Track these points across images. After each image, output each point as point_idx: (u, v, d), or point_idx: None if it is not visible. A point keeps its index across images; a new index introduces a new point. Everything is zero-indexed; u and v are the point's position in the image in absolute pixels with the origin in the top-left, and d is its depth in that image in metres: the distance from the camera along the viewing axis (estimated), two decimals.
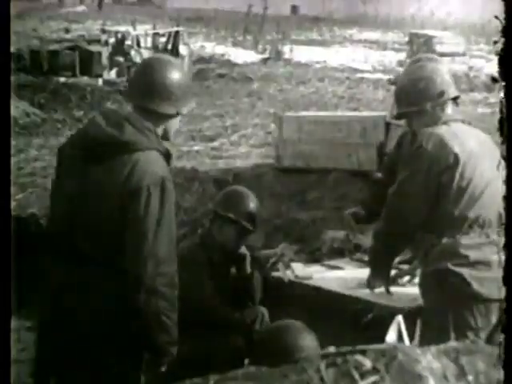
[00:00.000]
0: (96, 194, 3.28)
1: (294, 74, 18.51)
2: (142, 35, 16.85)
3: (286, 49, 21.81)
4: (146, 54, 16.36)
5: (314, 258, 6.17)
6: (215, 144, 11.02)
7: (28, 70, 16.95)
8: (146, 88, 3.40)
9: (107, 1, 42.36)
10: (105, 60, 16.45)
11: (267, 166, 9.04)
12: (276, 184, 8.34)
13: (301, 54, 21.70)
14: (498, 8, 2.28)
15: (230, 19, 29.25)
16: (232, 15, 30.26)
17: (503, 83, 2.08)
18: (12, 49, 19.27)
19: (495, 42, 2.19)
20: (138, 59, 16.12)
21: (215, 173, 8.82)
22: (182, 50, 16.74)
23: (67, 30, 25.96)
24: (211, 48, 22.71)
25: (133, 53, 16.21)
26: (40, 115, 12.68)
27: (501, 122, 2.06)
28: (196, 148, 10.67)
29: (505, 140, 2.04)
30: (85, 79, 15.64)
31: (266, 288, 4.83)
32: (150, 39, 16.87)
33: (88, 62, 16.25)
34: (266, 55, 21.80)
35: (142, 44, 16.57)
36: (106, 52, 16.52)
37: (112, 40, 16.79)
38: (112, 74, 16.32)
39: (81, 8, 38.02)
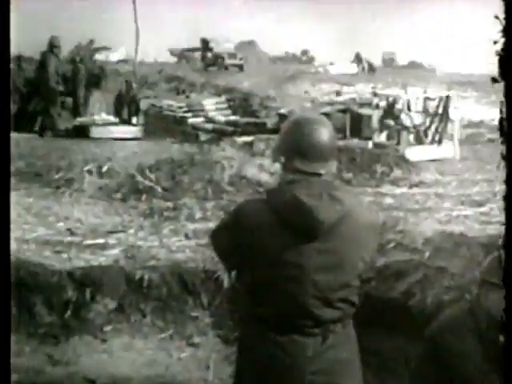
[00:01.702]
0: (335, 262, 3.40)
1: None
2: (412, 99, 16.90)
3: None
4: (417, 117, 16.44)
5: None
6: (484, 209, 10.80)
7: None
8: (295, 147, 3.43)
9: (378, 64, 43.01)
10: (375, 123, 16.68)
11: None
12: None
13: None
14: None
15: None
16: None
17: (503, 83, 1.99)
18: (285, 110, 20.05)
19: (495, 42, 2.09)
20: (408, 123, 16.22)
21: (484, 239, 8.64)
22: (453, 114, 16.63)
23: (338, 93, 26.62)
24: (482, 112, 22.37)
25: (403, 116, 16.31)
26: None
27: (501, 122, 1.97)
28: (465, 213, 10.53)
29: (505, 140, 1.95)
30: (355, 141, 15.91)
31: None
32: (420, 103, 16.89)
33: (358, 125, 16.58)
34: None
35: (413, 108, 16.62)
36: (376, 115, 16.75)
37: (383, 103, 16.99)
38: (382, 137, 16.50)
39: (352, 71, 38.81)
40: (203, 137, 18.34)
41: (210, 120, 20.05)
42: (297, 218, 3.33)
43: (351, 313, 3.50)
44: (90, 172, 11.72)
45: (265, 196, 3.50)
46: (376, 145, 15.90)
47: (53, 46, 19.04)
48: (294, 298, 3.37)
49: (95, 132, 18.35)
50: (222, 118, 20.16)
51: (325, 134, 3.45)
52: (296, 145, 3.44)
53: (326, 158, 3.44)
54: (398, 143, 16.07)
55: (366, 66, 40.68)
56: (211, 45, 40.63)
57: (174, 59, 46.42)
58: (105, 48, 37.31)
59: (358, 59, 42.25)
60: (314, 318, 3.39)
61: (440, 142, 16.38)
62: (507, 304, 2.06)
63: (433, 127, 16.55)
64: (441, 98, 16.88)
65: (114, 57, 39.40)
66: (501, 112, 2.11)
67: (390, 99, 16.95)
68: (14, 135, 18.31)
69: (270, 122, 19.47)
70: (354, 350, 3.58)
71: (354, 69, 39.88)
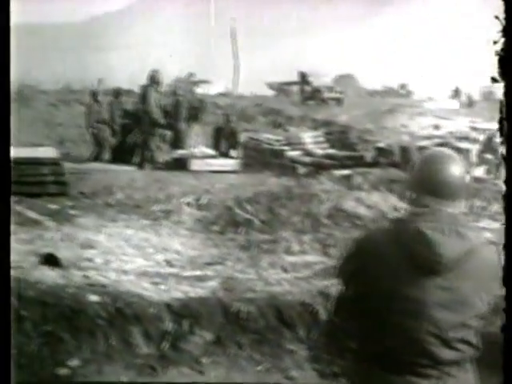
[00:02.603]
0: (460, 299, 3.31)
1: None
2: None
3: None
4: None
5: None
6: None
7: (398, 165, 17.42)
8: (424, 183, 3.35)
9: (477, 98, 42.44)
10: (474, 157, 16.49)
11: None
12: None
13: None
14: None
15: None
16: None
17: (503, 83, 1.91)
18: (383, 144, 19.94)
19: (495, 42, 2.00)
20: None
21: None
22: None
23: (437, 127, 26.37)
24: None
25: (502, 150, 16.11)
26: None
27: (501, 121, 1.89)
28: None
29: (505, 140, 1.88)
30: None
31: None
32: None
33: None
34: None
35: None
36: (475, 149, 16.56)
37: (481, 137, 16.79)
38: (480, 172, 16.29)
39: (451, 105, 38.40)
40: (301, 170, 18.36)
41: (307, 153, 20.07)
42: (419, 250, 3.26)
43: (471, 356, 3.36)
44: (188, 204, 11.83)
45: (389, 226, 3.45)
46: (474, 179, 15.68)
47: (153, 79, 19.37)
48: (409, 334, 3.28)
49: (194, 164, 18.57)
50: (320, 152, 20.17)
51: (456, 172, 3.36)
52: (426, 181, 3.38)
53: (456, 196, 3.37)
54: (497, 178, 15.82)
55: (464, 99, 40.22)
56: (309, 78, 40.78)
57: (272, 93, 46.78)
58: (204, 81, 37.87)
59: (456, 93, 41.83)
60: (430, 357, 3.27)
61: None
62: (507, 304, 2.01)
63: None
64: None
65: (213, 90, 39.93)
66: (501, 112, 2.07)
67: (489, 133, 16.72)
68: (113, 167, 18.68)
69: (368, 156, 19.39)
70: None
71: (452, 103, 39.48)
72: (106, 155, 21.87)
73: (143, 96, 19.54)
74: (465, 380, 3.34)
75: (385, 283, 3.32)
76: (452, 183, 3.35)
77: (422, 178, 3.40)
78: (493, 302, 3.42)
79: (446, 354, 3.28)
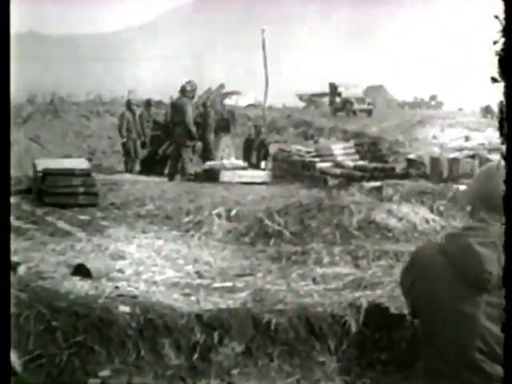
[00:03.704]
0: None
1: None
2: None
3: None
4: None
5: None
6: None
7: (428, 177, 17.38)
8: (484, 197, 3.34)
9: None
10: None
11: None
12: None
13: None
14: None
15: None
16: None
17: (503, 83, 1.92)
18: (413, 156, 19.88)
19: (495, 42, 1.99)
20: None
21: None
22: None
23: (467, 138, 26.27)
24: None
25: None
26: (439, 222, 12.80)
27: (501, 121, 1.88)
28: None
29: (505, 140, 1.88)
30: None
31: None
32: None
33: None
34: None
35: None
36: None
37: None
38: None
39: (477, 117, 38.23)
40: (331, 182, 18.34)
41: (338, 165, 20.05)
42: (467, 266, 3.24)
43: None
44: (218, 215, 11.84)
45: (442, 240, 3.43)
46: None
47: (187, 91, 19.40)
48: (459, 350, 3.25)
49: (224, 176, 18.60)
50: (351, 163, 20.13)
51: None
52: (485, 196, 3.38)
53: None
54: None
55: (496, 110, 40.03)
56: (340, 90, 40.77)
57: (302, 104, 46.84)
58: (234, 92, 38.02)
59: (487, 111, 41.63)
60: (481, 373, 3.25)
61: None
62: (507, 304, 1.98)
63: None
64: None
65: (244, 101, 40.06)
66: (501, 112, 2.07)
67: None
68: (143, 178, 18.77)
69: (399, 167, 19.34)
70: None
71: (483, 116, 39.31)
72: (137, 166, 21.99)
73: (179, 108, 19.52)
74: None
75: (437, 297, 3.30)
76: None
77: (485, 192, 3.36)
78: None
79: (498, 370, 3.23)
